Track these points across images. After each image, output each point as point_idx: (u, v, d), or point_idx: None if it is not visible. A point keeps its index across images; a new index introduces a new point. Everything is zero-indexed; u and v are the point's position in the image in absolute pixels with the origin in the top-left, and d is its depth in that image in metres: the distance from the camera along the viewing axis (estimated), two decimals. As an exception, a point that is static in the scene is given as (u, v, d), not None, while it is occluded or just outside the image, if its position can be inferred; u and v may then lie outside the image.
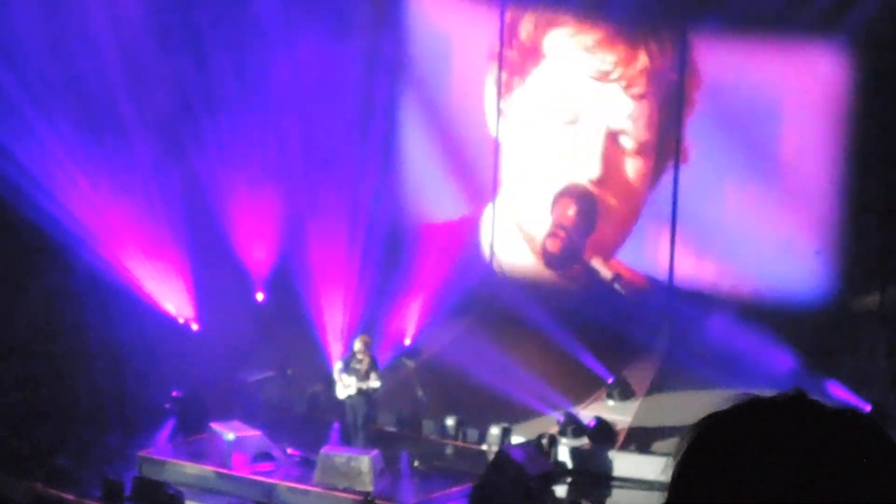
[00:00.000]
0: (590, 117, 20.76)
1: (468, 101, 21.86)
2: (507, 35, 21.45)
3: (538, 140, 21.37)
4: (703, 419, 1.96)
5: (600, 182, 20.85)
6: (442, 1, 22.25)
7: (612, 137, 20.65)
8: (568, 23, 20.99)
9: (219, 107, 21.57)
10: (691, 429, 1.93)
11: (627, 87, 20.56)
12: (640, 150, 20.66)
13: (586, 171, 20.90)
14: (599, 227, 21.07)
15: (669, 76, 20.49)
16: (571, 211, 21.14)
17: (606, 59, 20.64)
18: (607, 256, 21.12)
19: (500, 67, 21.55)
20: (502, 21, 21.53)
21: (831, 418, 1.83)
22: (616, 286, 20.98)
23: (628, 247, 21.16)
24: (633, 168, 20.79)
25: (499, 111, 21.62)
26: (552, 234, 21.37)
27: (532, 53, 21.27)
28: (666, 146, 20.64)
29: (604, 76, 20.65)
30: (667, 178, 20.69)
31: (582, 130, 20.82)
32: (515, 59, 21.42)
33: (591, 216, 21.05)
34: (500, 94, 21.60)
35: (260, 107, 21.69)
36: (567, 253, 21.29)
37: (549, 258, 21.50)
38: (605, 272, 21.09)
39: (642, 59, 20.44)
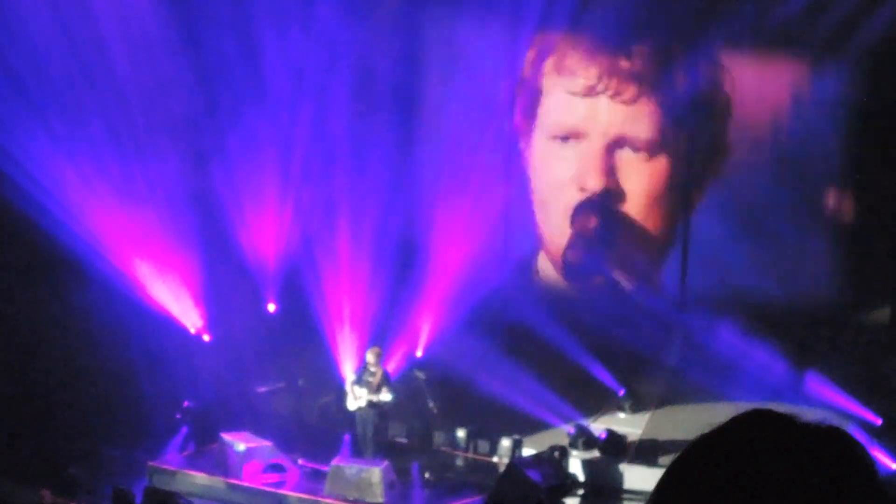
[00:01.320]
0: (590, 133, 20.86)
1: (483, 117, 21.87)
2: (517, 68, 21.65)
3: (548, 158, 21.44)
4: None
5: (616, 191, 20.86)
6: (452, 21, 22.22)
7: (615, 145, 20.71)
8: (559, 48, 21.14)
9: (231, 119, 21.59)
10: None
11: (615, 96, 20.68)
12: (649, 152, 20.67)
13: (597, 183, 20.92)
14: (621, 239, 21.07)
15: (674, 82, 20.52)
16: (592, 223, 21.16)
17: (590, 74, 20.76)
18: (629, 268, 21.11)
19: (514, 90, 21.67)
20: (514, 39, 21.59)
21: (799, 432, 1.86)
22: (636, 297, 20.99)
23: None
24: (647, 174, 20.77)
25: (514, 129, 21.70)
26: (572, 246, 21.37)
27: (534, 89, 21.46)
28: (676, 151, 20.66)
29: (590, 91, 20.79)
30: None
31: (586, 146, 20.91)
32: (523, 91, 21.60)
33: (612, 228, 21.06)
34: (513, 114, 21.70)
35: (272, 119, 21.71)
36: (588, 265, 21.29)
37: (569, 270, 21.50)
38: (627, 283, 21.10)
39: (624, 65, 20.57)
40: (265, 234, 21.99)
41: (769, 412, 1.90)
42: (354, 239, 21.49)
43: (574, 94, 21.04)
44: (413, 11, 21.90)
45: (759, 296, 20.21)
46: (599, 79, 20.77)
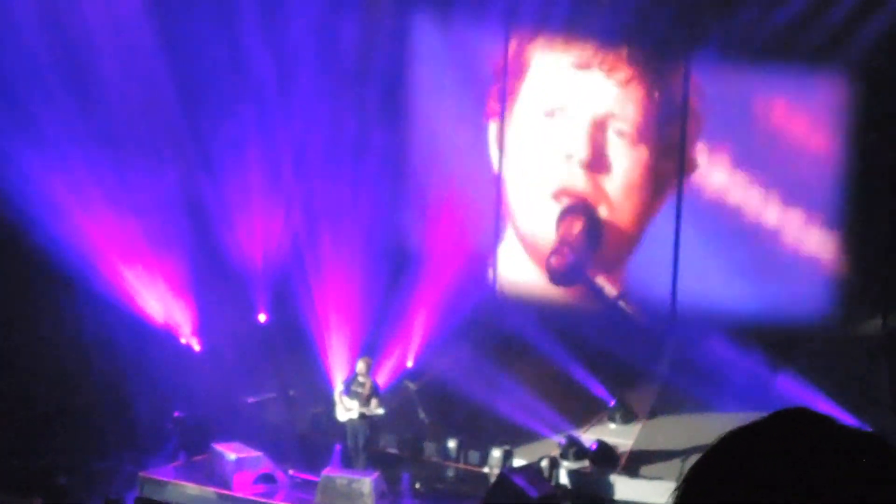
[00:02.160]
0: (576, 105, 20.91)
1: (470, 124, 21.90)
2: (501, 57, 21.67)
3: (534, 142, 21.46)
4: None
5: (603, 163, 20.85)
6: (442, 25, 22.25)
7: (602, 122, 20.77)
8: (551, 41, 21.22)
9: (221, 128, 21.59)
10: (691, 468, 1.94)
11: (610, 72, 20.73)
12: (637, 137, 20.71)
13: (581, 157, 20.90)
14: (604, 244, 21.10)
15: (666, 86, 20.60)
16: (577, 228, 21.19)
17: (586, 51, 20.84)
18: (612, 273, 21.15)
19: (500, 86, 21.68)
20: (506, 46, 21.63)
21: (839, 434, 1.84)
22: (621, 304, 21.03)
23: (631, 268, 21.20)
24: (633, 159, 20.78)
25: (501, 129, 21.72)
26: (557, 251, 21.41)
27: (518, 69, 21.47)
28: (666, 150, 20.71)
29: (584, 65, 20.87)
30: (670, 198, 20.74)
31: (570, 119, 20.95)
32: (508, 76, 21.64)
33: (596, 233, 21.09)
34: (501, 110, 21.72)
35: (264, 129, 21.73)
36: (572, 270, 21.33)
37: (553, 275, 21.54)
38: (610, 289, 21.15)
39: (623, 50, 20.67)
40: (257, 244, 21.99)
41: (809, 411, 1.90)
42: (345, 249, 21.50)
43: (565, 67, 21.08)
44: (403, 14, 21.97)
45: (749, 307, 20.24)
46: (595, 53, 20.83)
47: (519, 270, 21.93)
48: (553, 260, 21.46)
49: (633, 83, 20.66)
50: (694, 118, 20.52)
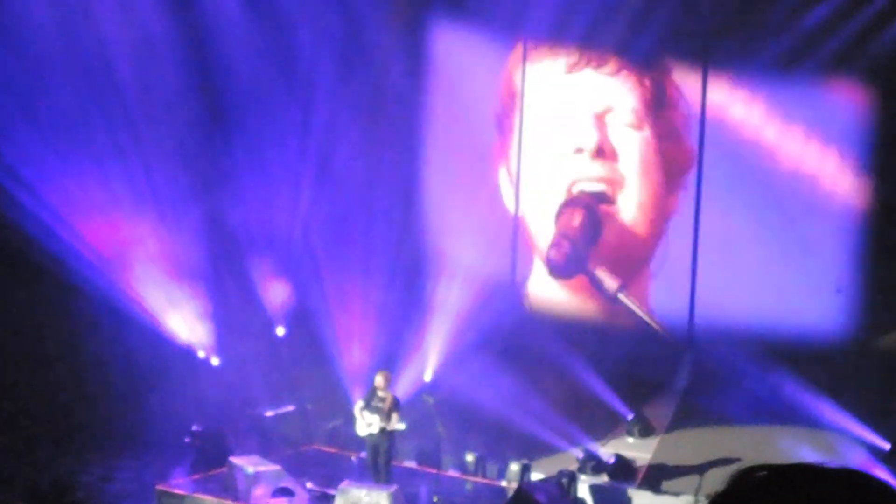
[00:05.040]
0: (578, 108, 20.97)
1: (485, 133, 21.94)
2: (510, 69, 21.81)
3: (545, 146, 21.56)
4: (738, 476, 1.89)
5: (610, 151, 20.89)
6: (456, 40, 22.31)
7: (604, 115, 20.85)
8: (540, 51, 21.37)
9: (240, 141, 21.65)
10: (727, 483, 1.87)
11: (598, 67, 20.86)
12: (638, 123, 20.75)
13: (592, 141, 20.96)
14: (605, 237, 21.09)
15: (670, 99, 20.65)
16: (576, 220, 21.21)
17: (571, 51, 21.02)
18: (613, 267, 21.12)
19: (512, 98, 21.78)
20: (525, 57, 21.69)
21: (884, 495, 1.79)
22: (621, 296, 21.00)
23: (649, 283, 21.16)
24: (639, 143, 20.79)
25: (512, 137, 21.79)
26: (556, 244, 21.43)
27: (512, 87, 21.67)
28: (669, 133, 20.72)
29: (573, 67, 20.98)
30: (685, 209, 20.71)
31: (577, 120, 21.02)
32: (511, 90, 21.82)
33: (595, 225, 21.10)
34: (511, 116, 21.83)
35: (281, 141, 21.78)
36: (571, 263, 21.33)
37: (553, 267, 21.56)
38: (610, 282, 21.13)
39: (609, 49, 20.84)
40: (274, 256, 22.03)
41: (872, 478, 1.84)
42: (363, 262, 21.51)
43: (558, 73, 21.24)
44: (418, 25, 22.07)
45: (769, 321, 20.19)
46: (581, 53, 20.99)
47: (538, 283, 21.91)
48: (552, 253, 21.49)
49: (623, 72, 20.80)
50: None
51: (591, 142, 20.95)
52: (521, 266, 21.99)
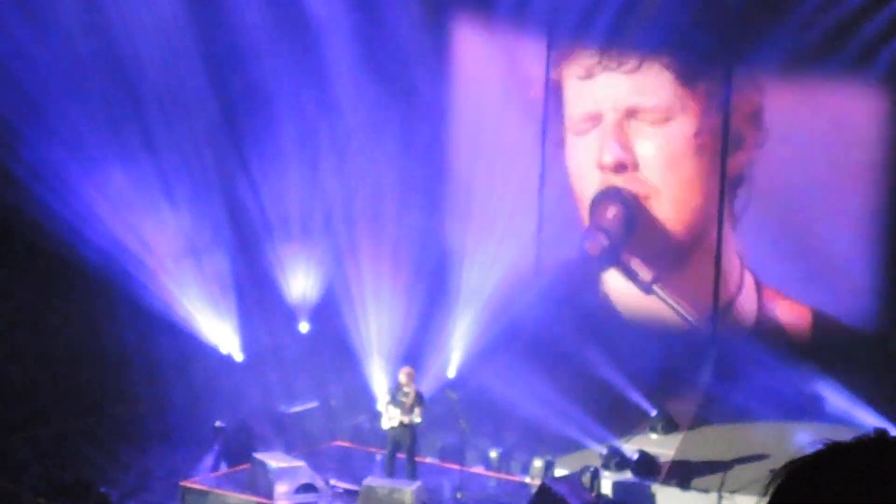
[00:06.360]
0: (604, 112, 20.91)
1: (512, 131, 21.88)
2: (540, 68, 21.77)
3: (574, 151, 21.52)
4: (785, 467, 1.88)
5: (632, 162, 20.85)
6: (484, 42, 22.29)
7: (629, 117, 20.79)
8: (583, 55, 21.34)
9: (265, 139, 21.67)
10: (774, 476, 1.86)
11: (618, 67, 20.80)
12: (662, 118, 20.67)
13: (613, 156, 20.91)
14: (641, 229, 21.01)
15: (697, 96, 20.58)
16: (611, 213, 21.15)
17: (591, 54, 21.03)
18: (648, 259, 21.06)
19: (544, 101, 21.74)
20: (549, 58, 21.65)
21: None
22: (656, 288, 20.93)
23: (672, 277, 21.10)
24: (663, 139, 20.72)
25: (543, 139, 21.75)
26: (591, 237, 21.36)
27: (557, 91, 21.63)
28: (694, 112, 20.65)
29: (593, 69, 20.94)
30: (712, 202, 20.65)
31: (603, 126, 20.98)
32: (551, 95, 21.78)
33: (630, 218, 21.02)
34: (543, 122, 21.79)
35: (304, 140, 21.78)
36: (606, 255, 21.27)
37: (588, 259, 21.48)
38: (645, 274, 21.07)
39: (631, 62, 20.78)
40: (298, 253, 22.06)
41: (881, 436, 1.83)
42: (387, 258, 21.51)
43: (583, 78, 21.19)
44: (442, 24, 22.07)
45: (794, 316, 20.13)
46: (601, 55, 20.94)
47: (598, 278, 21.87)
48: (588, 245, 21.41)
49: (644, 66, 20.74)
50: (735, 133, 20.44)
51: (611, 159, 20.92)
52: (550, 257, 21.93)
